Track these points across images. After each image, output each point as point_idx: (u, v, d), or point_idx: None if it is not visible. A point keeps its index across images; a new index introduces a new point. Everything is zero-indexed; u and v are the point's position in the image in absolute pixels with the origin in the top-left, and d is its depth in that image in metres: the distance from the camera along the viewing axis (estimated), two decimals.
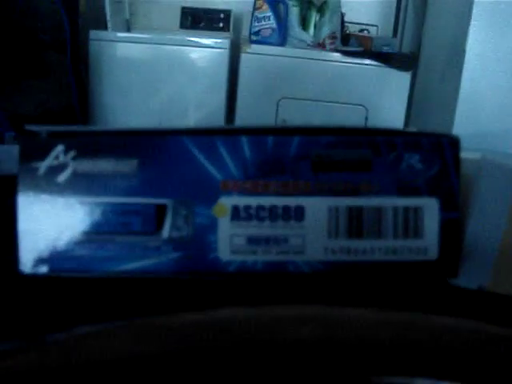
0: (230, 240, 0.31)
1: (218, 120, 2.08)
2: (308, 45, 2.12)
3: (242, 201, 0.31)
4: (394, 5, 2.45)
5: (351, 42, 2.18)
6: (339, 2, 2.15)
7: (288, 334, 0.21)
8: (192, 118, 2.10)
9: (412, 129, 0.32)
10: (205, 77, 2.13)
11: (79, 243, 0.32)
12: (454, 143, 0.32)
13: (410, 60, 2.16)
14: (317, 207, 0.31)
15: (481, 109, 2.05)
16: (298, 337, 0.22)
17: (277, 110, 2.10)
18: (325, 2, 2.11)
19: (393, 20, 2.43)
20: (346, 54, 2.09)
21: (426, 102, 2.37)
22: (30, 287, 0.34)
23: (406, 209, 0.31)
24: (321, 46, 2.11)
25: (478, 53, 1.98)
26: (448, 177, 0.32)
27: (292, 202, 0.31)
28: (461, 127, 2.03)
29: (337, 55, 2.11)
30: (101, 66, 2.09)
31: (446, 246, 0.32)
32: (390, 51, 2.14)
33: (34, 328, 0.29)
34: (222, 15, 2.27)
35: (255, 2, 2.10)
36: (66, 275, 0.32)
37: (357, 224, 0.31)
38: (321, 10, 2.12)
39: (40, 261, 0.32)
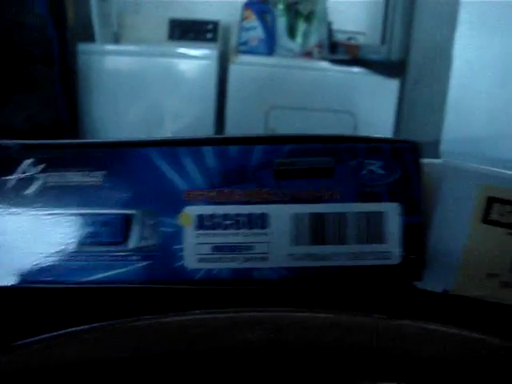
0: (195, 249, 0.32)
1: (207, 131, 2.09)
2: (296, 54, 2.13)
3: (206, 210, 0.32)
4: (382, 12, 2.46)
5: (339, 51, 2.19)
6: (326, 11, 2.16)
7: (236, 337, 0.21)
8: (181, 129, 2.11)
9: (376, 135, 0.33)
10: (194, 88, 2.14)
11: (49, 255, 0.32)
12: (414, 149, 0.32)
13: (397, 67, 2.17)
14: (280, 214, 0.31)
15: (469, 114, 2.06)
16: (246, 340, 0.23)
17: (266, 119, 2.11)
18: (312, 11, 2.12)
19: (380, 27, 2.45)
20: (333, 62, 2.10)
21: (416, 109, 2.38)
22: (1, 299, 0.34)
23: (368, 214, 0.32)
24: (309, 54, 2.13)
25: (465, 58, 1.99)
26: (409, 182, 0.32)
27: (256, 209, 0.32)
28: (450, 132, 2.05)
29: (325, 64, 2.13)
30: (90, 79, 2.09)
31: (409, 250, 0.32)
32: (378, 59, 2.15)
33: (4, 338, 0.30)
34: (209, 26, 2.28)
35: (242, 13, 2.11)
36: (36, 286, 0.33)
37: (320, 230, 0.32)
38: (308, 19, 2.13)
39: (10, 273, 0.32)
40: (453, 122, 2.05)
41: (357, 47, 2.20)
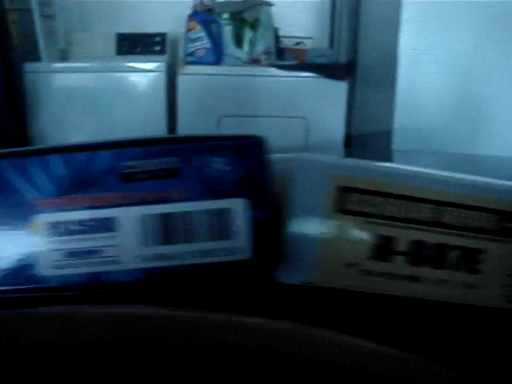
0: (49, 256, 0.32)
1: None
2: (244, 62, 2.14)
3: (57, 217, 0.32)
4: (329, 16, 2.49)
5: (286, 56, 2.21)
6: (271, 18, 2.18)
7: (79, 334, 0.22)
8: None
9: (222, 134, 0.33)
10: (144, 100, 2.13)
11: None
12: (259, 144, 0.33)
13: (344, 69, 2.20)
14: (129, 217, 0.32)
15: (418, 110, 2.09)
16: (90, 336, 0.23)
17: (218, 128, 2.11)
18: (257, 19, 2.14)
19: (328, 31, 2.47)
20: (281, 68, 2.11)
21: (367, 109, 2.41)
22: None
23: (215, 211, 0.32)
24: (256, 61, 2.14)
25: (410, 56, 2.02)
26: (255, 177, 0.33)
27: (105, 213, 0.32)
28: (400, 130, 2.07)
29: (273, 70, 2.14)
30: (38, 98, 2.08)
31: (260, 244, 0.33)
32: (325, 62, 2.17)
33: None
34: (157, 39, 2.28)
35: (188, 24, 2.12)
36: None
37: (168, 230, 0.32)
38: (254, 27, 2.15)
39: None
40: (403, 118, 2.08)
41: (304, 52, 2.22)
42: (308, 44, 2.43)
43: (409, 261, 0.34)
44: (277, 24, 2.29)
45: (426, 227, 0.34)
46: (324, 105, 2.16)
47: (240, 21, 2.15)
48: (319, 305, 0.35)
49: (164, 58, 2.25)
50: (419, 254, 0.34)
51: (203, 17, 2.12)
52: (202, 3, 2.13)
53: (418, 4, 2.04)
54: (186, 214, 0.32)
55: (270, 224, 0.33)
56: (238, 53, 2.14)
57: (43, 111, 2.10)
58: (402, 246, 0.34)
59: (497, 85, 2.05)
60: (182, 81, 2.10)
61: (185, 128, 2.12)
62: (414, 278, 0.35)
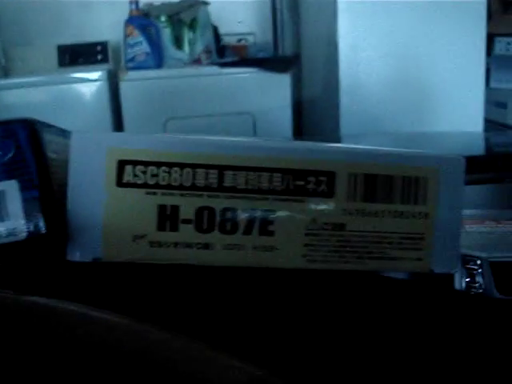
0: None
1: None
2: (185, 63, 2.13)
3: None
4: (270, 10, 2.49)
5: (227, 54, 2.21)
6: (209, 17, 2.18)
7: None
8: None
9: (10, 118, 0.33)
10: (89, 110, 2.12)
11: None
12: (27, 126, 0.32)
13: (286, 61, 2.20)
14: None
15: (363, 96, 2.10)
16: None
17: (165, 131, 2.11)
18: (194, 19, 2.13)
19: (270, 25, 2.48)
20: (222, 65, 2.11)
21: (313, 99, 2.41)
22: None
23: None
24: (197, 61, 2.13)
25: (350, 43, 2.03)
26: (24, 158, 0.32)
27: None
28: (347, 118, 2.08)
29: (214, 68, 2.14)
30: None
31: (37, 224, 0.32)
32: (266, 56, 2.18)
33: None
34: (98, 48, 2.27)
35: (125, 30, 2.11)
36: None
37: None
38: (192, 27, 2.14)
39: None
40: (348, 104, 2.09)
41: (244, 48, 2.22)
42: (251, 40, 2.43)
43: (197, 228, 0.34)
44: (218, 22, 2.29)
45: (210, 193, 0.34)
46: (269, 98, 2.16)
47: (178, 22, 2.15)
48: (110, 281, 0.35)
49: (107, 66, 2.24)
50: (207, 220, 0.34)
51: (140, 21, 2.11)
52: (137, 8, 2.12)
53: None
54: None
55: (46, 203, 0.32)
56: (178, 54, 2.14)
57: None
58: (187, 214, 0.34)
59: (437, 64, 2.06)
60: (125, 87, 2.09)
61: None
62: (204, 246, 0.34)
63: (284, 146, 0.35)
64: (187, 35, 2.15)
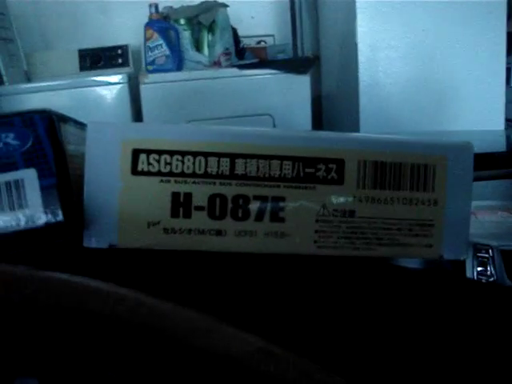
0: None
1: None
2: (204, 65, 2.15)
3: None
4: (289, 12, 2.50)
5: (246, 56, 2.22)
6: (228, 19, 2.19)
7: None
8: None
9: (14, 111, 0.34)
10: (110, 113, 2.15)
11: None
12: (45, 117, 0.34)
13: (306, 63, 2.20)
14: None
15: (382, 96, 2.09)
16: None
17: None
18: (213, 21, 2.15)
19: (290, 27, 2.48)
20: (242, 67, 2.12)
21: (333, 100, 2.41)
22: None
23: (8, 184, 0.33)
24: (217, 64, 2.15)
25: (369, 44, 2.03)
26: (42, 147, 0.33)
27: None
28: (366, 118, 2.07)
29: (234, 70, 2.15)
30: None
31: (56, 210, 0.33)
32: (285, 57, 2.18)
33: None
34: (119, 51, 2.30)
35: (145, 33, 2.13)
36: None
37: None
38: (211, 30, 2.16)
39: None
40: (367, 105, 2.09)
41: (264, 49, 2.22)
42: (270, 42, 2.44)
43: (209, 215, 0.35)
44: (237, 25, 2.31)
45: (222, 180, 0.35)
46: (289, 100, 2.17)
47: (197, 25, 2.16)
48: (126, 266, 0.36)
49: (127, 69, 2.26)
50: (219, 207, 0.35)
51: (160, 24, 2.13)
52: (157, 11, 2.14)
53: None
54: None
55: (63, 191, 0.33)
56: (198, 57, 2.15)
57: None
58: (200, 201, 0.35)
59: (456, 64, 2.05)
60: (145, 90, 2.11)
61: None
62: (217, 232, 0.35)
63: (294, 135, 0.36)
64: (206, 38, 2.17)
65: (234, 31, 2.24)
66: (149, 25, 2.13)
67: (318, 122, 2.32)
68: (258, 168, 0.35)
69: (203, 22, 2.14)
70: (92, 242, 0.35)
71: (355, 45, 2.08)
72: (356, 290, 0.40)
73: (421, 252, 0.37)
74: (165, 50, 2.11)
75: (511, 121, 2.24)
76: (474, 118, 2.06)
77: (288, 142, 0.35)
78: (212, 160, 0.35)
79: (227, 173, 0.35)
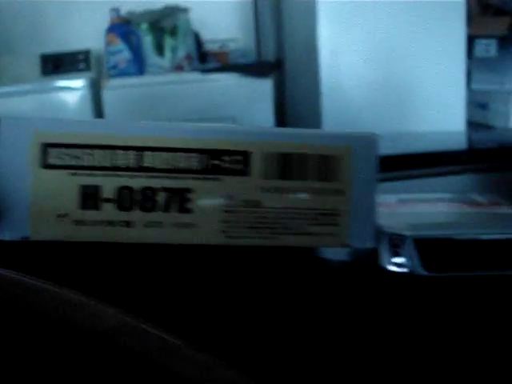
0: None
1: None
2: (166, 70, 2.15)
3: None
4: (252, 16, 2.51)
5: (209, 60, 2.23)
6: (190, 23, 2.20)
7: None
8: None
9: None
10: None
11: None
12: None
13: (267, 66, 2.22)
14: None
15: (344, 100, 2.11)
16: None
17: None
18: (175, 26, 2.15)
19: (253, 31, 2.50)
20: (204, 71, 2.13)
21: (297, 103, 2.43)
22: None
23: None
24: (179, 68, 2.16)
25: (330, 48, 2.05)
26: None
27: None
28: (329, 121, 2.09)
29: (196, 75, 2.16)
30: None
31: None
32: (247, 61, 2.20)
33: None
34: (81, 56, 2.29)
35: (106, 38, 2.13)
36: None
37: None
38: (173, 34, 2.17)
39: None
40: (330, 108, 2.10)
41: (226, 54, 2.24)
42: (234, 46, 2.45)
43: (118, 207, 0.36)
44: (201, 29, 2.32)
45: (129, 173, 0.36)
46: (251, 103, 2.18)
47: (159, 29, 2.17)
48: (38, 259, 0.37)
49: (89, 74, 2.26)
50: (127, 199, 0.36)
51: (121, 29, 2.13)
52: (118, 16, 2.14)
53: None
54: None
55: None
56: (160, 61, 2.16)
57: None
58: (108, 193, 0.36)
59: (417, 66, 2.08)
60: (107, 94, 2.11)
61: None
62: (126, 224, 0.36)
63: (201, 128, 0.37)
64: (168, 42, 2.17)
65: (197, 35, 2.24)
66: (110, 29, 2.13)
67: (282, 125, 2.33)
68: (165, 161, 0.36)
69: (165, 27, 2.15)
70: (5, 234, 0.36)
71: (316, 49, 2.10)
72: (271, 282, 0.41)
73: (327, 241, 0.38)
74: (126, 54, 2.11)
75: (472, 122, 2.28)
76: (436, 120, 2.09)
77: (195, 135, 0.36)
78: (120, 153, 0.36)
79: (135, 165, 0.36)
